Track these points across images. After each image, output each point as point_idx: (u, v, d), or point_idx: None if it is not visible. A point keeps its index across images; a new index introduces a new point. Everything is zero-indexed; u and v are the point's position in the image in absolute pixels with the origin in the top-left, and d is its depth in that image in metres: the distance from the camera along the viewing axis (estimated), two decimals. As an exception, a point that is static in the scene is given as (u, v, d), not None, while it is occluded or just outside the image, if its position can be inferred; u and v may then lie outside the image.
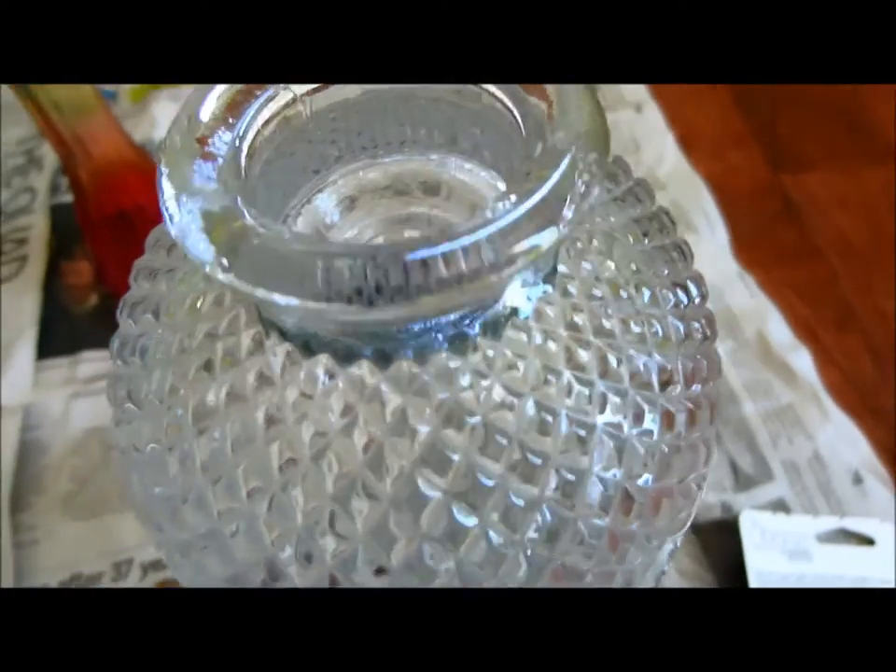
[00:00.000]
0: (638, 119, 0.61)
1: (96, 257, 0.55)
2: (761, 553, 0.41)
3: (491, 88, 0.22)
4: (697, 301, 0.22)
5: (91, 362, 0.52)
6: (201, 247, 0.17)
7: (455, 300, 0.17)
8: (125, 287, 0.53)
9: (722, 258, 0.54)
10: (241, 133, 0.20)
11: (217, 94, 0.21)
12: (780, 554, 0.41)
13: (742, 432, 0.46)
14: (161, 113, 0.62)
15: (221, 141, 0.20)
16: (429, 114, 0.24)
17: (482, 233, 0.16)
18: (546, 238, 0.16)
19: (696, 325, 0.22)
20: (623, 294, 0.21)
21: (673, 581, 0.41)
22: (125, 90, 0.64)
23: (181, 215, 0.18)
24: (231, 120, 0.21)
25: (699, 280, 0.23)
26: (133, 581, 0.42)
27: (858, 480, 0.45)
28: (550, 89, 0.20)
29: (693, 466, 0.21)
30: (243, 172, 0.20)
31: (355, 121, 0.24)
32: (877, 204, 0.57)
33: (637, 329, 0.20)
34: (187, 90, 0.67)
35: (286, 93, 0.22)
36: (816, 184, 0.58)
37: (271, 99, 0.22)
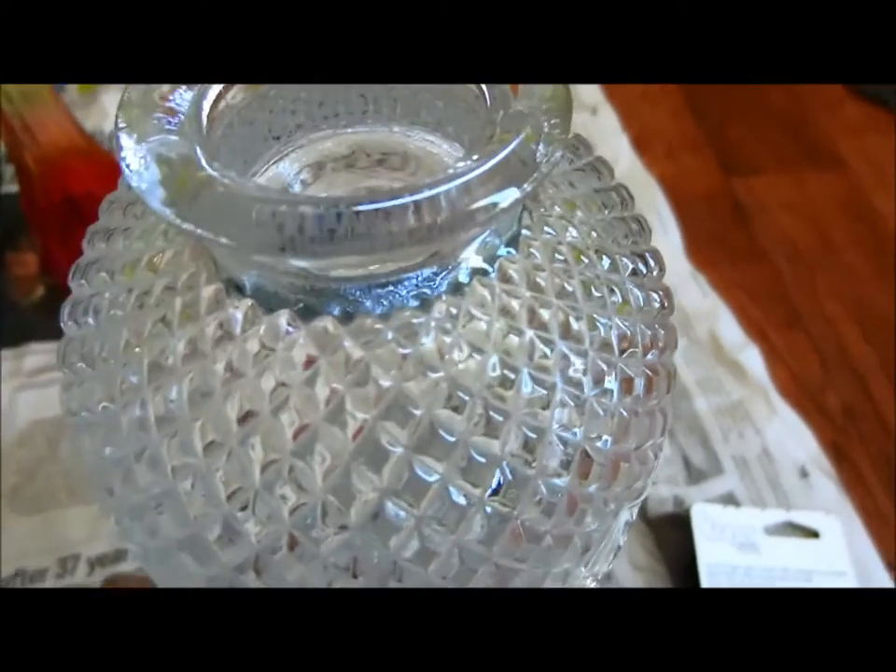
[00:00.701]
0: (594, 122, 0.61)
1: (43, 246, 0.54)
2: (711, 546, 0.42)
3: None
4: (655, 273, 0.23)
5: (38, 354, 0.51)
6: (161, 197, 0.17)
7: (413, 252, 0.17)
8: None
9: (676, 258, 0.55)
10: (203, 93, 0.20)
11: None
12: (730, 547, 0.42)
13: (695, 427, 0.47)
14: (112, 104, 0.61)
15: (182, 98, 0.20)
16: (392, 87, 0.24)
17: (442, 188, 0.16)
18: (506, 197, 0.17)
19: (654, 295, 0.22)
20: (585, 259, 0.21)
21: (627, 574, 0.41)
22: (74, 80, 0.63)
23: (140, 165, 0.17)
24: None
25: (656, 255, 0.23)
26: (79, 576, 0.41)
27: (804, 474, 0.45)
28: None
29: (651, 433, 0.22)
30: (204, 130, 0.20)
31: (317, 91, 0.24)
32: (821, 208, 0.58)
33: (597, 294, 0.20)
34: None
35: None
36: (764, 187, 0.59)
37: None
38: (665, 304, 0.22)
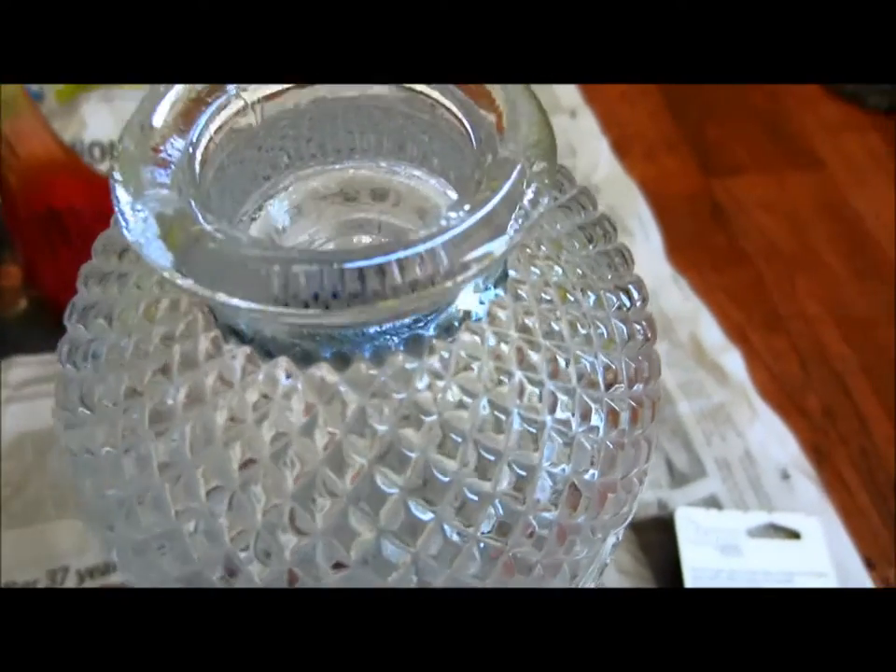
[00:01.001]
0: (573, 125, 0.62)
1: (26, 259, 0.54)
2: (695, 549, 0.43)
3: (441, 98, 0.22)
4: (639, 304, 0.23)
5: (22, 367, 0.51)
6: (158, 252, 0.17)
7: (409, 305, 0.18)
8: (56, 289, 0.52)
9: (657, 261, 0.55)
10: (193, 141, 0.21)
11: (169, 101, 0.21)
12: (713, 550, 0.43)
13: (677, 431, 0.48)
14: (91, 114, 0.61)
15: (174, 148, 0.20)
16: (379, 122, 0.25)
17: (436, 241, 0.17)
18: (497, 246, 0.17)
19: (638, 327, 0.23)
20: (571, 298, 0.21)
21: (613, 578, 0.42)
22: (52, 90, 0.63)
23: (137, 220, 0.18)
24: (183, 128, 0.21)
25: (640, 284, 0.24)
26: (69, 588, 0.42)
27: (785, 476, 0.46)
28: (499, 100, 0.21)
29: (636, 461, 0.22)
30: (196, 178, 0.20)
31: (305, 129, 0.25)
32: (800, 209, 0.59)
33: (583, 332, 0.21)
34: (119, 90, 0.66)
35: (237, 101, 0.22)
36: (743, 188, 0.60)
37: (223, 107, 0.22)
38: (649, 335, 0.23)
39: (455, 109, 0.22)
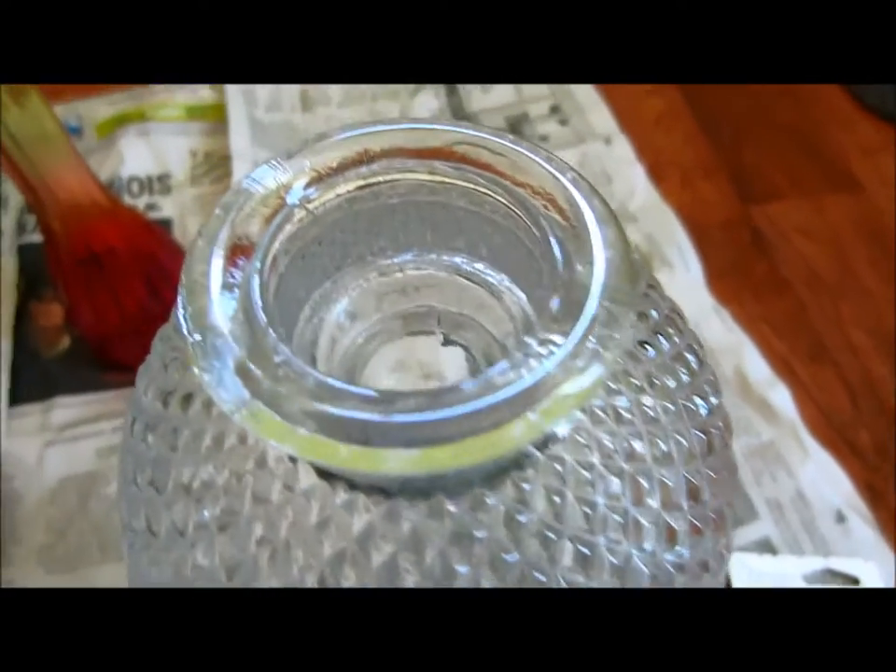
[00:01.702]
0: (608, 152, 0.61)
1: (68, 300, 0.54)
2: (749, 595, 0.42)
3: (505, 199, 0.22)
4: (715, 403, 0.23)
5: (65, 408, 0.51)
6: (227, 399, 0.17)
7: (486, 452, 0.17)
8: (94, 329, 0.52)
9: (698, 291, 0.54)
10: (259, 264, 0.20)
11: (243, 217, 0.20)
12: (768, 596, 0.42)
13: (726, 472, 0.47)
14: (128, 149, 0.61)
15: (239, 270, 0.20)
16: (438, 217, 0.24)
17: (511, 390, 0.16)
18: (577, 386, 0.16)
19: (716, 431, 0.22)
20: (650, 413, 0.21)
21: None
22: (91, 124, 0.63)
23: (210, 366, 0.17)
24: (250, 243, 0.21)
25: (714, 381, 0.23)
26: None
27: (841, 518, 0.45)
28: (565, 206, 0.20)
29: (717, 573, 0.22)
30: (259, 310, 0.19)
31: (363, 228, 0.24)
32: (841, 233, 0.58)
33: (664, 448, 0.20)
34: (154, 125, 0.66)
35: (299, 211, 0.22)
36: (781, 214, 0.59)
37: (285, 223, 0.21)
38: (727, 439, 0.22)
39: (517, 210, 0.21)
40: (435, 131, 0.23)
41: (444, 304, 0.26)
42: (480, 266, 0.25)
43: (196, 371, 0.17)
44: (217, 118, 0.62)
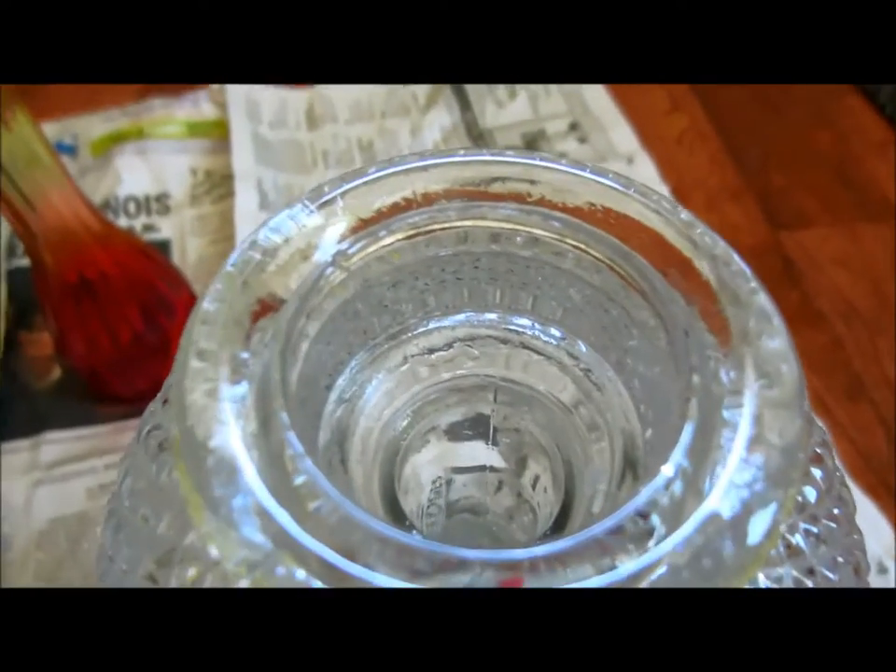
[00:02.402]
0: (631, 172, 0.58)
1: (58, 329, 0.51)
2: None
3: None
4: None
5: (55, 444, 0.48)
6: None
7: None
8: (88, 360, 0.49)
9: (727, 323, 0.52)
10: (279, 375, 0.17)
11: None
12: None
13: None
14: (125, 168, 0.58)
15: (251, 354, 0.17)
16: (498, 273, 0.21)
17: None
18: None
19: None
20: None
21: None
22: (86, 143, 0.60)
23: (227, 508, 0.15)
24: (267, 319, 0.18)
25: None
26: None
27: (882, 570, 0.43)
28: (725, 301, 0.17)
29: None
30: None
31: (405, 288, 0.21)
32: (876, 263, 0.55)
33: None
34: (153, 142, 0.63)
35: (331, 271, 0.19)
36: (814, 241, 0.56)
37: (315, 287, 0.18)
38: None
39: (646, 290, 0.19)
40: (497, 163, 0.20)
41: (504, 371, 0.23)
42: (541, 327, 0.22)
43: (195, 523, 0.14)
44: (218, 135, 0.59)
